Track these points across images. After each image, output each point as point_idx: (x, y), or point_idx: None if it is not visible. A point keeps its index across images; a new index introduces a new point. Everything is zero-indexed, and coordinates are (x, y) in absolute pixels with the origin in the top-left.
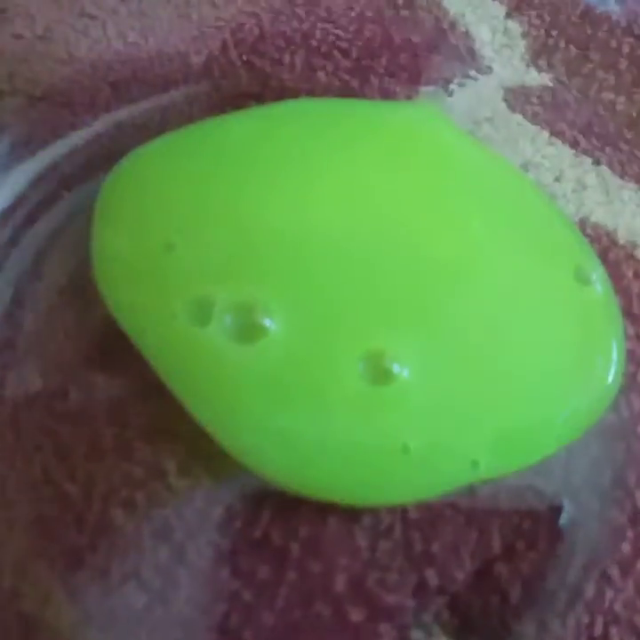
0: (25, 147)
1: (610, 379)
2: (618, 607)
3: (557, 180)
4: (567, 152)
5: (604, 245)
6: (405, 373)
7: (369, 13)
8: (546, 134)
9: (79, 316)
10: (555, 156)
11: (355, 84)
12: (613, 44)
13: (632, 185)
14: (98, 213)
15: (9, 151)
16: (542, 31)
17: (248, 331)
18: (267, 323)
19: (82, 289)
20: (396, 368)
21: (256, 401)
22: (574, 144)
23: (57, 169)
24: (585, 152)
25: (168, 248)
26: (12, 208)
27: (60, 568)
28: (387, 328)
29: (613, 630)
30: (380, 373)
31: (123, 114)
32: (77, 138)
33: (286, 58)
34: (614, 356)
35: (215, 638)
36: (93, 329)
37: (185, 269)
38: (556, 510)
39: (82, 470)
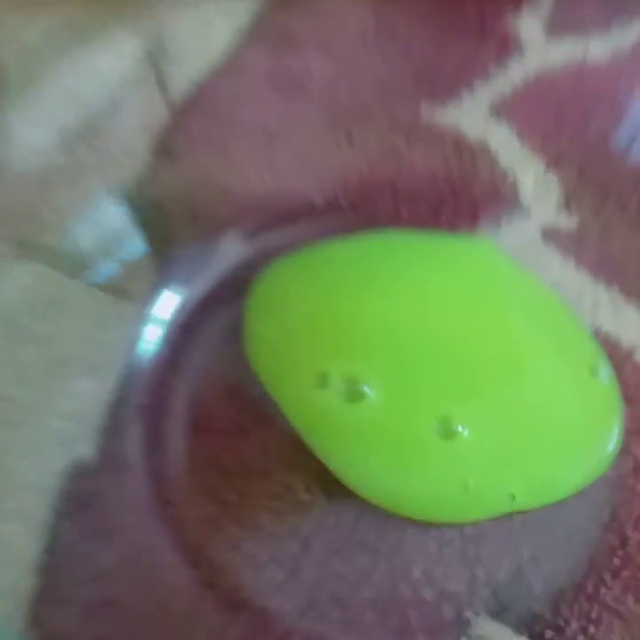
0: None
1: (611, 447)
2: (609, 599)
3: (579, 297)
4: (587, 277)
5: (611, 349)
6: (466, 432)
7: (440, 167)
8: (572, 263)
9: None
10: (577, 279)
11: (429, 220)
12: (628, 189)
13: (635, 304)
14: (249, 310)
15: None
16: (573, 181)
17: (353, 395)
18: (366, 389)
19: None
20: (460, 428)
21: (359, 445)
22: (593, 270)
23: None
24: (600, 277)
25: (301, 335)
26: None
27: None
28: (454, 399)
29: (604, 615)
30: (448, 432)
31: (265, 238)
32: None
33: (379, 199)
34: (615, 431)
35: (330, 604)
36: (250, 394)
37: (311, 350)
38: (571, 534)
39: (238, 485)
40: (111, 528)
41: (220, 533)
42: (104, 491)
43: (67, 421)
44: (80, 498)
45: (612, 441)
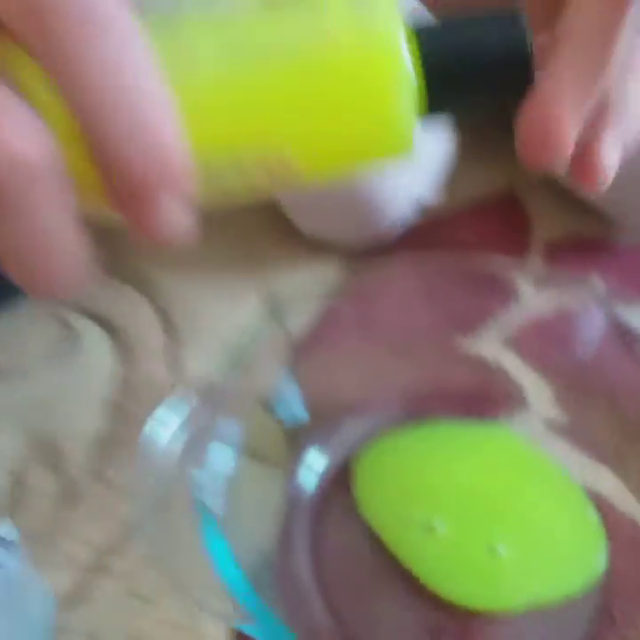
0: None
1: (600, 564)
2: None
3: (569, 461)
4: (573, 449)
5: (594, 497)
6: (505, 553)
7: (470, 380)
8: (564, 442)
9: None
10: (567, 451)
11: (465, 414)
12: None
13: (609, 467)
14: (359, 476)
15: None
16: (562, 388)
17: (430, 528)
18: (437, 525)
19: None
20: (501, 550)
21: (437, 563)
22: (576, 445)
23: None
24: (581, 448)
25: (398, 495)
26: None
27: None
28: (498, 533)
29: None
30: (494, 553)
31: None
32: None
33: (434, 402)
34: (602, 553)
35: None
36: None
37: (410, 502)
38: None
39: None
40: None
41: None
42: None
43: None
44: None
45: (602, 556)
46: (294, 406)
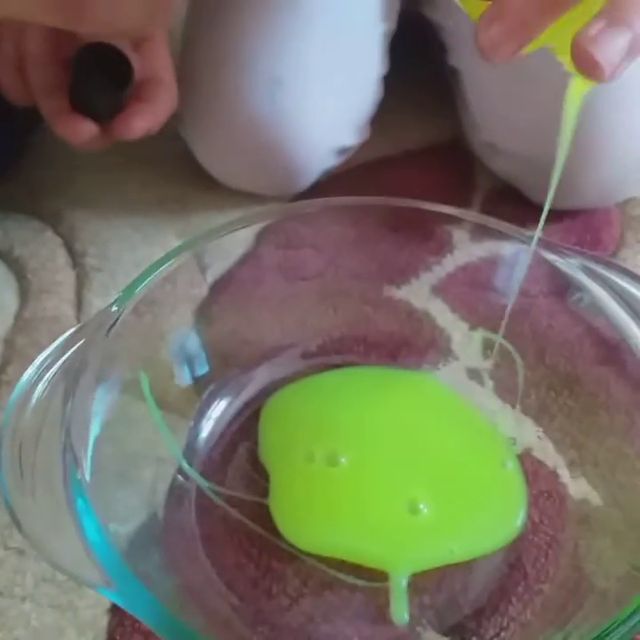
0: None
1: (519, 523)
2: (514, 614)
3: (494, 413)
4: (498, 400)
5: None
6: (425, 510)
7: (396, 327)
8: (490, 391)
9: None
10: (493, 402)
11: (389, 362)
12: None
13: (531, 418)
14: (262, 423)
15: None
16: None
17: (332, 462)
18: (342, 459)
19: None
20: (422, 507)
21: (332, 500)
22: (502, 396)
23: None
24: (507, 400)
25: (296, 431)
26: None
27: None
28: (418, 486)
29: (511, 624)
30: (415, 510)
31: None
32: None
33: (355, 348)
34: (522, 510)
35: None
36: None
37: (304, 436)
38: (489, 573)
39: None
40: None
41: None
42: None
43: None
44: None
45: (518, 518)
46: (201, 351)
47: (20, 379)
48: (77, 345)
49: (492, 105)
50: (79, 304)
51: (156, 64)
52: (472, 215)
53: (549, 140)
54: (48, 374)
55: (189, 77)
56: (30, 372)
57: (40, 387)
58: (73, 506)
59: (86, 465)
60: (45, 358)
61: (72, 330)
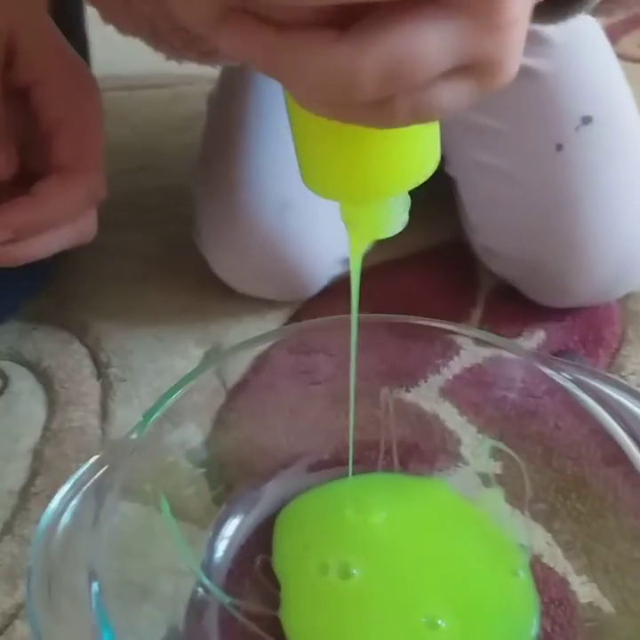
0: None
1: (532, 633)
2: None
3: (504, 518)
4: (508, 506)
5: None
6: (444, 625)
7: (406, 430)
8: (500, 496)
9: None
10: (503, 508)
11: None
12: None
13: (541, 525)
14: (277, 534)
15: None
16: (496, 440)
17: (345, 574)
18: (354, 571)
19: None
20: (441, 623)
21: (344, 614)
22: (511, 501)
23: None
24: (515, 504)
25: (309, 542)
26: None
27: None
28: (434, 601)
29: None
30: (434, 626)
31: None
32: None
33: (366, 454)
34: (534, 621)
35: None
36: None
37: (316, 547)
38: None
39: None
40: None
41: None
42: None
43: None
44: None
45: (534, 624)
46: (219, 461)
47: (47, 490)
48: (103, 468)
49: (485, 212)
50: (104, 414)
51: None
52: (470, 330)
53: (540, 247)
54: (74, 502)
55: (204, 195)
56: (62, 493)
57: (67, 513)
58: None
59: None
60: (73, 484)
61: (96, 456)
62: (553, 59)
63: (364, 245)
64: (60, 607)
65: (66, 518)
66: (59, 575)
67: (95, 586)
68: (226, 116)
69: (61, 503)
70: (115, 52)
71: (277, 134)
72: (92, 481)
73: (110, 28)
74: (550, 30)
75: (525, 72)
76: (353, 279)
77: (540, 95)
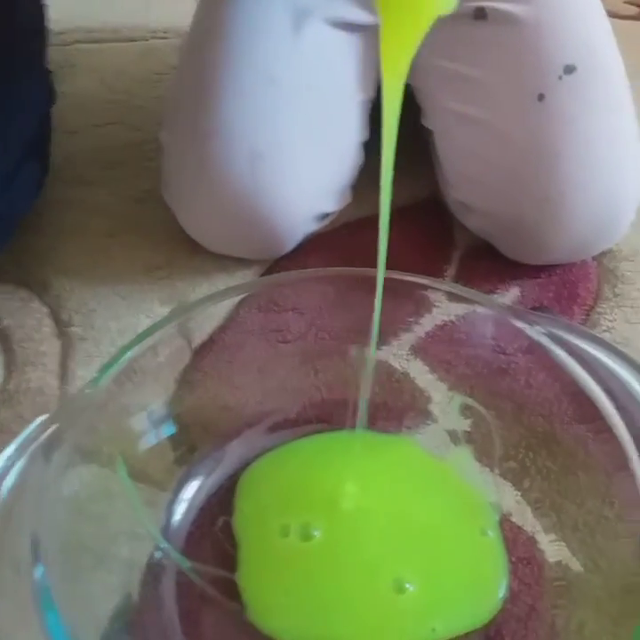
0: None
1: (500, 595)
2: None
3: (473, 476)
4: (478, 464)
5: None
6: (411, 588)
7: (376, 389)
8: (469, 453)
9: None
10: (473, 466)
11: (368, 425)
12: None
13: (510, 482)
14: (239, 493)
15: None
16: (466, 396)
17: (306, 536)
18: (315, 533)
19: None
20: (408, 586)
21: (305, 579)
22: (480, 458)
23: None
24: (485, 462)
25: (271, 503)
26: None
27: None
28: (402, 564)
29: None
30: (402, 589)
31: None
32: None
33: (335, 412)
34: (503, 582)
35: None
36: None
37: (277, 508)
38: None
39: None
40: None
41: None
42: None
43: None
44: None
45: (502, 586)
46: (182, 421)
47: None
48: (54, 426)
49: (462, 165)
50: (63, 375)
51: None
52: (443, 284)
53: (518, 200)
54: (20, 462)
55: (173, 146)
56: (7, 453)
57: (12, 474)
58: (39, 604)
59: (55, 550)
60: (24, 440)
61: (46, 415)
62: (535, 5)
63: (401, 51)
64: (2, 580)
65: (9, 481)
66: (1, 544)
67: (39, 559)
68: (195, 64)
69: (6, 463)
70: (84, 3)
71: (249, 84)
72: (41, 439)
73: None
74: None
75: (506, 18)
76: (386, 129)
77: (522, 43)
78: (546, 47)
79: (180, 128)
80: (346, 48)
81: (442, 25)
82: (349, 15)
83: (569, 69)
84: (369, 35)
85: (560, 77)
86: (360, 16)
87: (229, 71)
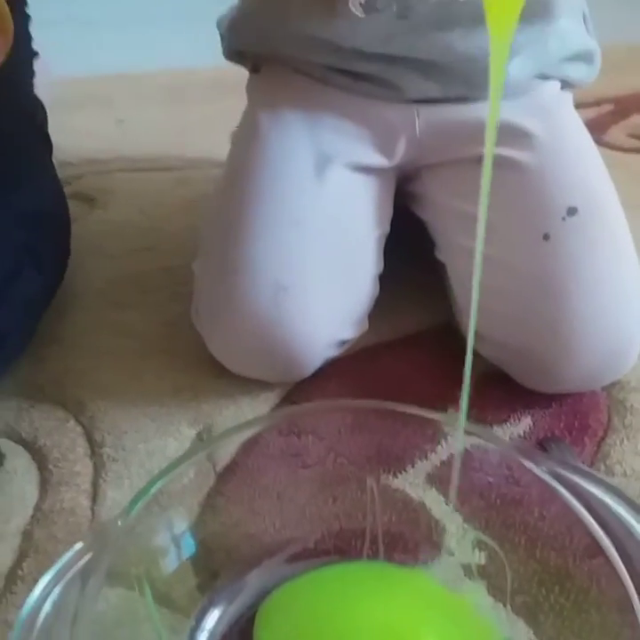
0: None
1: None
2: None
3: (486, 607)
4: (501, 606)
5: None
6: None
7: (394, 518)
8: (481, 585)
9: None
10: (484, 596)
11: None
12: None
13: (524, 618)
14: (258, 624)
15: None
16: (481, 530)
17: None
18: None
19: None
20: None
21: None
22: (491, 585)
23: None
24: (497, 594)
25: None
26: None
27: None
28: None
29: None
30: None
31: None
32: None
33: (352, 541)
34: None
35: None
36: None
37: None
38: None
39: None
40: None
41: None
42: None
43: None
44: None
45: None
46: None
47: (34, 573)
48: (87, 556)
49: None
50: (95, 495)
51: None
52: (452, 419)
53: (528, 331)
54: (56, 589)
55: (204, 277)
56: (45, 581)
57: (49, 602)
58: None
59: None
60: (56, 571)
61: (80, 544)
62: (537, 152)
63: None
64: None
65: (47, 607)
66: None
67: None
68: (226, 202)
69: (44, 591)
70: (126, 133)
71: (275, 223)
72: (75, 568)
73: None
74: (533, 125)
75: (511, 164)
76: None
77: (526, 187)
78: (549, 191)
79: (210, 261)
80: (363, 189)
81: (452, 167)
82: (367, 159)
83: (571, 211)
84: (384, 176)
85: (563, 219)
86: (377, 160)
87: (257, 211)
